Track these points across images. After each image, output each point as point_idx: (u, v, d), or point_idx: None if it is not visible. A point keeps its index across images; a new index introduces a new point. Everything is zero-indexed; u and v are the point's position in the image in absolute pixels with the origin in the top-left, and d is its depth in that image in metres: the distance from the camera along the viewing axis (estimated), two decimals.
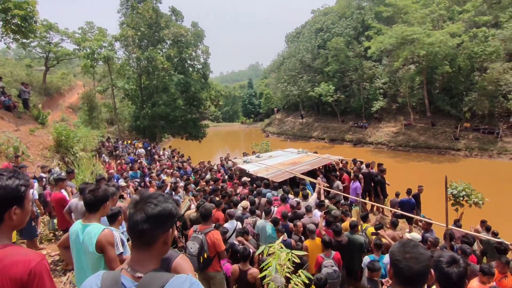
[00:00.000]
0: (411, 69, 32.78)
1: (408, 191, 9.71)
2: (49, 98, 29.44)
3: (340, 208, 7.80)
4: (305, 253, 4.41)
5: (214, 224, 7.37)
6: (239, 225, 7.62)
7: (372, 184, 10.69)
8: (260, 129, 54.25)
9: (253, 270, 4.94)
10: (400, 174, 20.67)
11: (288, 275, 3.83)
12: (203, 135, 27.40)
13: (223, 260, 5.60)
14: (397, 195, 10.26)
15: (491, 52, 27.48)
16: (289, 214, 7.67)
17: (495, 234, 8.83)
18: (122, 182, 10.23)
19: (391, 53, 32.86)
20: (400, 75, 33.81)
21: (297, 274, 3.88)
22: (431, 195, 10.44)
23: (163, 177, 11.83)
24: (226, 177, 11.25)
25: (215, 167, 12.92)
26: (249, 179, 10.66)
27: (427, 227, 6.77)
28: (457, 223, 7.82)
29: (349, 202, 9.63)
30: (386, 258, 5.61)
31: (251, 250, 5.17)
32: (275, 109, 58.66)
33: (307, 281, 3.82)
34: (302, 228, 6.66)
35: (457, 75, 30.13)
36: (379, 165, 10.90)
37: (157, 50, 23.80)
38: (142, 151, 18.51)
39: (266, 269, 3.69)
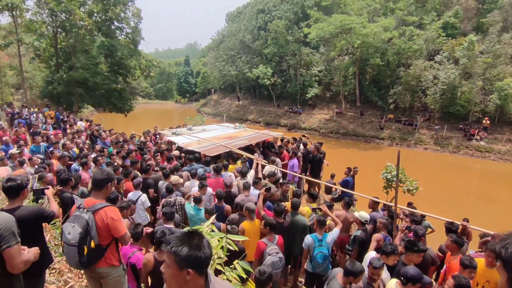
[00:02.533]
0: (345, 60, 33.92)
1: (349, 170, 9.41)
2: None
3: (282, 187, 7.00)
4: (246, 238, 3.33)
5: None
6: (143, 197, 6.40)
7: (309, 165, 10.20)
8: (195, 109, 51.87)
9: None
10: (330, 159, 21.13)
11: (219, 267, 2.78)
12: (129, 108, 24.56)
13: (127, 248, 4.33)
14: (332, 176, 9.94)
15: (415, 50, 29.67)
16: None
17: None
18: (14, 150, 8.42)
19: (329, 42, 33.54)
20: (336, 65, 34.77)
21: (232, 266, 2.85)
22: (361, 178, 10.41)
23: (74, 148, 9.95)
24: (153, 150, 9.73)
25: (142, 139, 11.24)
26: (178, 153, 9.34)
27: (373, 207, 6.32)
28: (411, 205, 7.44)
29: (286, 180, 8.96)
30: (330, 236, 4.93)
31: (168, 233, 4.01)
32: (212, 89, 56.78)
33: (244, 275, 2.82)
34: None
35: (386, 68, 32.00)
36: (319, 144, 10.44)
37: (76, 3, 20.19)
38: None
39: None
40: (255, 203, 5.69)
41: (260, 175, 7.84)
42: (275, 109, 39.80)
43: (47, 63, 24.39)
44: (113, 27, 23.41)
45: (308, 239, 5.05)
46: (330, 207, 5.78)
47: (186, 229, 2.71)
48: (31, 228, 2.98)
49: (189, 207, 6.03)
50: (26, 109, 18.64)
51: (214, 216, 3.09)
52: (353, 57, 32.83)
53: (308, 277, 5.18)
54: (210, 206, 5.59)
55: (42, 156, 9.54)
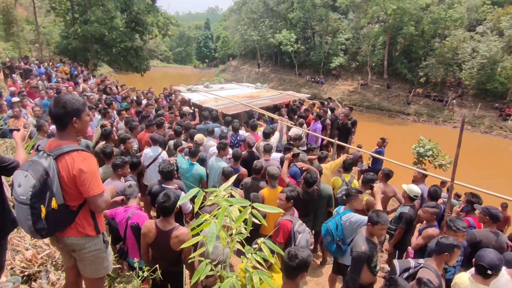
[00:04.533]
0: (375, 28, 31.51)
1: (382, 140, 8.38)
2: None
3: (309, 153, 6.09)
4: (279, 210, 2.39)
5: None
6: (165, 155, 5.66)
7: (337, 132, 9.17)
8: (214, 74, 50.55)
9: (181, 232, 3.01)
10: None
11: (239, 246, 1.94)
12: (146, 68, 23.63)
13: (123, 208, 3.57)
14: (359, 147, 8.95)
15: (456, 19, 27.02)
16: (244, 152, 5.82)
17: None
18: (15, 98, 8.01)
19: (359, 7, 31.08)
20: (365, 33, 32.43)
21: (255, 246, 2.00)
22: (386, 153, 9.39)
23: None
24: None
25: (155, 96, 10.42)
26: (191, 110, 8.50)
27: (419, 179, 5.35)
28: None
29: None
30: (355, 216, 3.93)
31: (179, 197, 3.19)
32: (230, 58, 55.04)
33: (272, 260, 1.97)
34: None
35: (419, 39, 29.59)
36: (349, 109, 9.33)
37: None
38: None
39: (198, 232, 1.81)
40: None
41: (285, 138, 6.95)
42: (296, 78, 38.12)
43: (63, 17, 23.52)
44: None
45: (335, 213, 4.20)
46: (370, 181, 4.84)
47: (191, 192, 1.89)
48: None
49: (182, 160, 5.24)
50: (40, 63, 18.16)
51: (233, 178, 2.17)
52: (384, 25, 30.41)
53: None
54: (228, 168, 4.76)
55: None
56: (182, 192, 4.16)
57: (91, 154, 2.20)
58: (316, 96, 33.79)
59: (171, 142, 6.12)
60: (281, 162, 5.43)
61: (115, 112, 7.83)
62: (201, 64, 65.49)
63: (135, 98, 10.44)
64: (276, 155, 6.02)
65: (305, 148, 7.28)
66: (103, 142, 5.70)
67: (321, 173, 5.18)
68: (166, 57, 64.41)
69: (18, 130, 2.74)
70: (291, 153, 5.26)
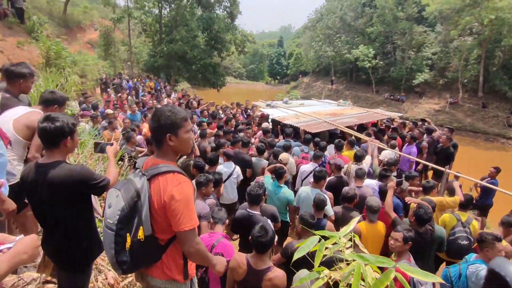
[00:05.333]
0: (468, 41, 28.19)
1: (496, 170, 6.85)
2: (68, 31, 27.20)
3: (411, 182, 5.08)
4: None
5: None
6: (239, 170, 5.22)
7: (435, 157, 7.82)
8: (285, 91, 50.65)
9: (276, 274, 2.44)
10: None
11: None
12: (222, 84, 24.45)
13: (207, 235, 3.12)
14: (456, 177, 7.42)
15: None
16: (331, 177, 5.10)
17: None
18: (109, 110, 8.56)
19: (449, 19, 28.21)
20: (455, 46, 29.23)
21: None
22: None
23: None
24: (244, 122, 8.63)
25: (233, 111, 10.32)
26: (270, 126, 8.06)
27: None
28: None
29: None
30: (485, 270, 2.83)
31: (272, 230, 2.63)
32: (299, 75, 54.72)
33: None
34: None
35: None
36: (450, 130, 7.94)
37: None
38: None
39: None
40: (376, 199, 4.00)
41: (376, 162, 6.03)
42: (373, 95, 35.92)
43: (151, 38, 25.79)
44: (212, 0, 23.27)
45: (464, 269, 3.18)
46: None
47: None
48: (67, 199, 1.90)
49: (269, 181, 4.70)
50: (125, 80, 19.87)
51: (355, 221, 1.53)
52: (479, 37, 27.02)
53: None
54: (320, 195, 4.06)
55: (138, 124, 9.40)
56: (269, 221, 3.61)
57: (188, 178, 1.74)
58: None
59: (253, 160, 5.68)
60: (381, 191, 4.56)
61: (195, 125, 7.78)
62: (273, 80, 66.38)
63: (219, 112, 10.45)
64: (369, 182, 5.17)
65: (395, 174, 6.27)
66: (185, 157, 5.51)
67: (434, 209, 4.19)
68: (239, 74, 66.81)
69: (111, 144, 2.50)
70: (394, 181, 4.36)
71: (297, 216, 5.03)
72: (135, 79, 20.58)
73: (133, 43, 30.17)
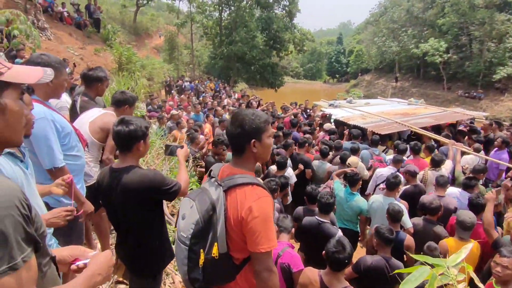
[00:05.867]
0: None
1: None
2: (137, 37, 29.44)
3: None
4: None
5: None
6: (290, 171, 4.96)
7: None
8: (345, 90, 48.79)
9: None
10: None
11: None
12: (280, 84, 24.29)
13: (279, 242, 2.90)
14: None
15: None
16: (407, 186, 4.59)
17: None
18: (174, 111, 8.75)
19: None
20: None
21: None
22: None
23: (225, 115, 9.85)
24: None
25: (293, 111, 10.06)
26: (332, 126, 7.62)
27: None
28: None
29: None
30: None
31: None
32: (359, 73, 52.25)
33: None
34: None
35: None
36: None
37: None
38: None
39: None
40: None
41: (459, 168, 5.29)
42: (444, 93, 32.81)
43: (212, 41, 26.67)
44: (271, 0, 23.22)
45: None
46: None
47: None
48: (139, 204, 1.87)
49: (339, 187, 4.31)
50: (187, 82, 20.68)
51: (467, 249, 1.17)
52: None
53: None
54: (396, 206, 3.60)
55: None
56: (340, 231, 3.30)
57: (268, 192, 1.54)
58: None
59: (316, 163, 5.35)
60: (471, 203, 3.93)
61: None
62: (331, 79, 64.51)
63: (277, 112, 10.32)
64: (451, 191, 4.52)
65: (481, 182, 5.45)
66: None
67: None
68: (296, 73, 66.09)
69: (182, 147, 2.39)
70: (494, 192, 3.71)
71: (368, 227, 4.61)
72: (196, 81, 21.36)
73: (195, 46, 31.53)
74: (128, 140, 1.88)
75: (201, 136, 6.90)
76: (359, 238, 4.59)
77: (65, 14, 14.62)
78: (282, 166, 4.67)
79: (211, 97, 14.30)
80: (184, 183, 2.05)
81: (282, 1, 23.68)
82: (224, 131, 7.16)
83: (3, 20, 7.57)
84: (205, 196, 1.48)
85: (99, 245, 3.18)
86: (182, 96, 14.38)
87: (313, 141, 6.64)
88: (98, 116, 2.74)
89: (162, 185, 1.90)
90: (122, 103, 2.92)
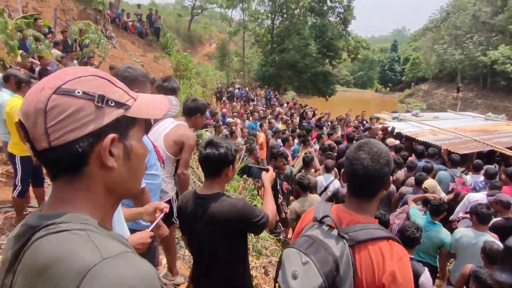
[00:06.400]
0: None
1: None
2: (191, 45, 30.69)
3: None
4: None
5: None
6: (337, 183, 4.72)
7: None
8: (398, 99, 46.16)
9: None
10: None
11: None
12: (332, 92, 23.60)
13: None
14: None
15: None
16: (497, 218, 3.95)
17: None
18: (230, 119, 8.77)
19: None
20: None
21: None
22: None
23: (277, 124, 9.62)
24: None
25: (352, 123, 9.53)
26: (396, 142, 7.00)
27: None
28: None
29: None
30: None
31: None
32: (413, 83, 49.26)
33: None
34: None
35: None
36: None
37: None
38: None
39: None
40: None
41: None
42: None
43: (263, 48, 26.80)
44: (325, 7, 22.72)
45: None
46: None
47: None
48: (226, 235, 1.68)
49: (416, 214, 3.78)
50: (238, 89, 20.83)
51: None
52: None
53: None
54: (493, 244, 3.06)
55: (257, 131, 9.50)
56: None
57: (406, 251, 1.21)
58: None
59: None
60: None
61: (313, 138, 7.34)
62: (383, 88, 61.69)
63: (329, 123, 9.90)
64: None
65: None
66: (299, 168, 5.13)
67: None
68: (346, 81, 64.19)
69: (267, 170, 2.09)
70: None
71: (449, 263, 4.05)
72: (247, 88, 21.48)
73: (245, 53, 32.02)
74: (217, 165, 1.68)
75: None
76: (438, 275, 4.03)
77: (129, 23, 15.51)
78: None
79: (263, 105, 14.20)
80: (272, 214, 1.80)
81: (336, 8, 23.13)
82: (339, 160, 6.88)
83: (77, 30, 8.15)
84: (324, 252, 1.15)
85: (164, 261, 3.07)
86: (234, 103, 14.48)
87: None
88: (171, 128, 2.60)
89: (251, 217, 1.67)
90: (194, 111, 2.76)
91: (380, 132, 8.03)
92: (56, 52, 7.96)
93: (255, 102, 15.47)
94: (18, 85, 3.36)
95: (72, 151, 0.57)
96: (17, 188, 3.39)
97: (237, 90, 19.29)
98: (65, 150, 0.57)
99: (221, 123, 8.31)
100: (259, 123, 9.65)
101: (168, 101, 0.73)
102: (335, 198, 4.24)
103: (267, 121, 9.76)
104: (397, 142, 7.11)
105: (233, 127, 8.25)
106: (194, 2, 29.64)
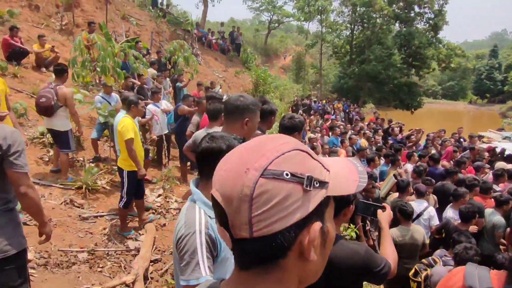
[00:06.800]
0: None
1: None
2: (267, 58, 31.52)
3: None
4: None
5: None
6: (432, 211, 4.17)
7: None
8: (498, 112, 40.26)
9: None
10: None
11: None
12: (417, 105, 21.67)
13: None
14: None
15: None
16: None
17: None
18: (311, 135, 8.84)
19: None
20: None
21: None
22: None
23: (360, 141, 9.13)
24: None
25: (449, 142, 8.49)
26: (510, 166, 5.98)
27: None
28: None
29: None
30: None
31: None
32: None
33: None
34: None
35: None
36: None
37: None
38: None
39: None
40: None
41: None
42: None
43: (341, 60, 26.07)
44: (412, 13, 21.14)
45: None
46: None
47: None
48: (344, 284, 1.54)
49: None
50: (314, 102, 20.42)
51: None
52: None
53: None
54: None
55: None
56: None
57: None
58: None
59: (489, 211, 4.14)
60: None
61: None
62: (479, 99, 54.73)
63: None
64: None
65: None
66: (396, 195, 4.63)
67: None
68: (433, 92, 58.64)
69: (383, 208, 1.78)
70: None
71: None
72: (324, 101, 21.00)
73: (322, 65, 31.58)
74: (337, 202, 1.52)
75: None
76: None
77: (213, 41, 16.51)
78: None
79: (342, 119, 13.67)
80: (394, 262, 1.56)
81: (426, 14, 21.35)
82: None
83: (172, 50, 8.90)
84: None
85: None
86: (312, 117, 14.21)
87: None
88: None
89: (373, 266, 1.48)
90: (292, 130, 2.64)
91: (486, 154, 6.98)
92: (151, 71, 8.75)
93: (333, 116, 14.96)
94: (129, 106, 3.68)
95: (274, 242, 0.48)
96: (123, 199, 3.68)
97: (313, 103, 18.98)
98: (266, 241, 0.48)
99: (303, 140, 8.13)
100: (340, 139, 9.24)
101: (355, 167, 0.59)
102: (444, 230, 3.73)
103: (347, 136, 9.32)
104: (510, 166, 6.08)
105: (315, 143, 8.02)
106: (271, 16, 30.39)
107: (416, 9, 21.21)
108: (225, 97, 5.33)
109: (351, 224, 3.62)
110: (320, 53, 25.64)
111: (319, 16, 25.28)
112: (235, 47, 17.66)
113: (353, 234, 3.46)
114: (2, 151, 1.67)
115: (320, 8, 22.92)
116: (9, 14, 8.74)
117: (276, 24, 31.33)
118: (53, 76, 4.71)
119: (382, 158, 6.90)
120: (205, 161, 1.36)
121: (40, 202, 1.93)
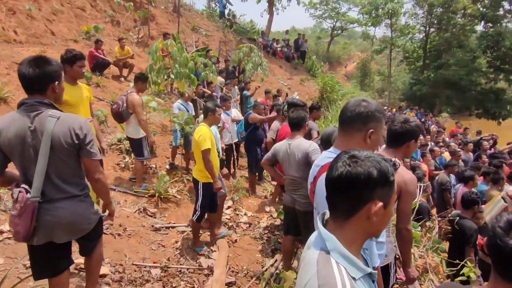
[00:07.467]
0: None
1: None
2: (329, 65, 30.59)
3: None
4: None
5: None
6: None
7: None
8: None
9: None
10: None
11: None
12: (507, 115, 18.92)
13: None
14: None
15: None
16: None
17: None
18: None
19: None
20: None
21: None
22: None
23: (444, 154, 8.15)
24: None
25: None
26: None
27: None
28: None
29: None
30: None
31: None
32: None
33: None
34: None
35: None
36: None
37: None
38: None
39: None
40: None
41: None
42: None
43: (412, 65, 24.19)
44: (501, 11, 18.64)
45: None
46: None
47: None
48: None
49: None
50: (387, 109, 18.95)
51: None
52: None
53: None
54: None
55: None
56: None
57: None
58: None
59: None
60: None
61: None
62: None
63: None
64: None
65: None
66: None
67: None
68: None
69: None
70: None
71: None
72: (394, 109, 19.44)
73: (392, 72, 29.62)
74: None
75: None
76: None
77: (278, 49, 16.33)
78: None
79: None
80: None
81: None
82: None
83: (241, 55, 8.77)
84: None
85: None
86: (385, 126, 13.11)
87: None
88: None
89: None
90: (405, 137, 2.05)
91: None
92: (220, 79, 8.73)
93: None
94: (206, 113, 3.47)
95: None
96: (196, 213, 3.45)
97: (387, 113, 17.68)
98: None
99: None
100: (420, 152, 8.24)
101: None
102: None
103: (427, 149, 8.31)
104: None
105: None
106: (334, 23, 29.51)
107: (506, 6, 18.63)
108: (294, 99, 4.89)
109: (467, 262, 2.89)
110: (389, 59, 24.02)
111: (388, 20, 23.79)
112: (300, 55, 17.27)
113: (472, 276, 2.74)
114: (80, 140, 1.80)
115: (390, 11, 21.54)
116: (95, 29, 9.44)
117: (339, 31, 30.27)
118: (130, 85, 4.75)
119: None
120: (343, 191, 0.94)
121: (108, 185, 2.15)
